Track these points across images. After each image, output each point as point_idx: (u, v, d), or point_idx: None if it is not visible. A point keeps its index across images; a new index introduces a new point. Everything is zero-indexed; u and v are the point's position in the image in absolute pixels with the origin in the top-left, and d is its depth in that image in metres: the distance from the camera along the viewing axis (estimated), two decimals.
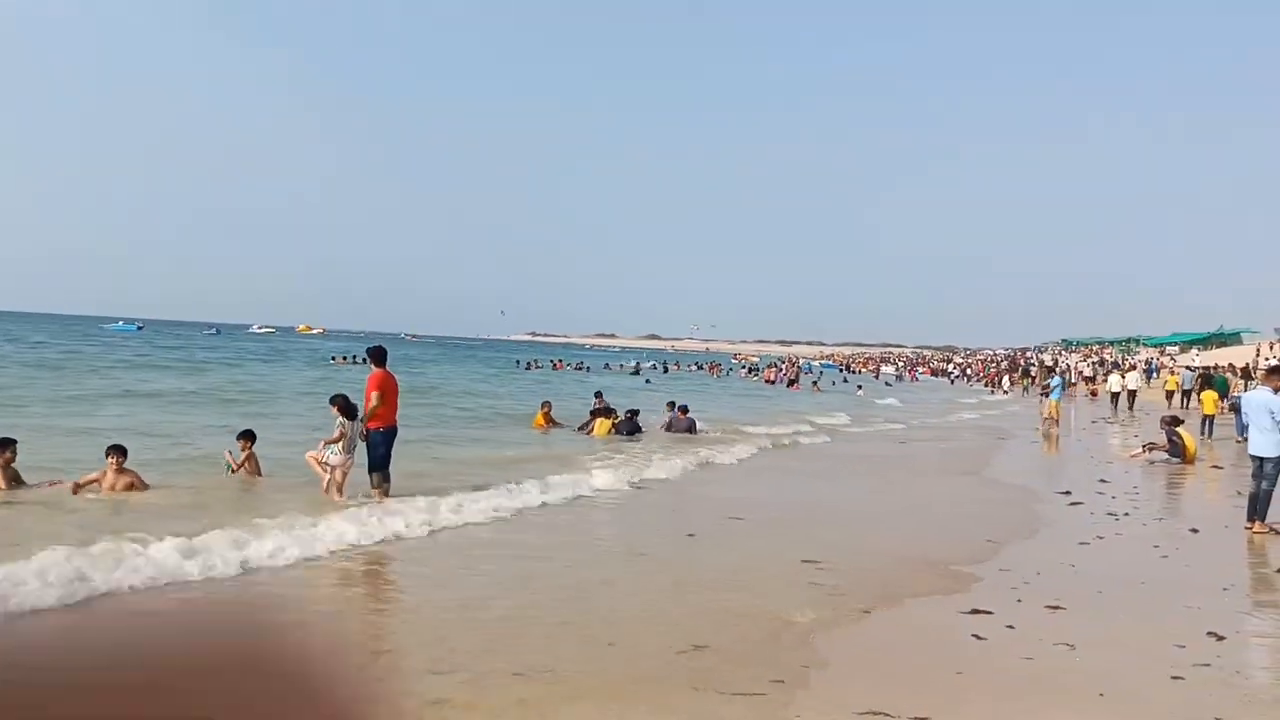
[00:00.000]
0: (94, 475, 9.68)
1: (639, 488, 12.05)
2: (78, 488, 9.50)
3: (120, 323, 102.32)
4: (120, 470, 9.71)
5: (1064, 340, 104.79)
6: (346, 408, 10.26)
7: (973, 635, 5.83)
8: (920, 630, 6.07)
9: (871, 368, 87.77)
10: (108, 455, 9.77)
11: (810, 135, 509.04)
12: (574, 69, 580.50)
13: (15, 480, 9.62)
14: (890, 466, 15.89)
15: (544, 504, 10.45)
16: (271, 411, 20.21)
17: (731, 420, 23.04)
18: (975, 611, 6.34)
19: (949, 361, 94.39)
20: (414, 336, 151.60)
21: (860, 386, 47.20)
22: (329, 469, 10.01)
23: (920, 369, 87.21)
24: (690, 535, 9.05)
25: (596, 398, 21.54)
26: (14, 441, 9.79)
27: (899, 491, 12.80)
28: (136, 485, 9.76)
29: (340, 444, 10.08)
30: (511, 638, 5.56)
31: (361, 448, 10.17)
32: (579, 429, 19.32)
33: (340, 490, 9.95)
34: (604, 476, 12.13)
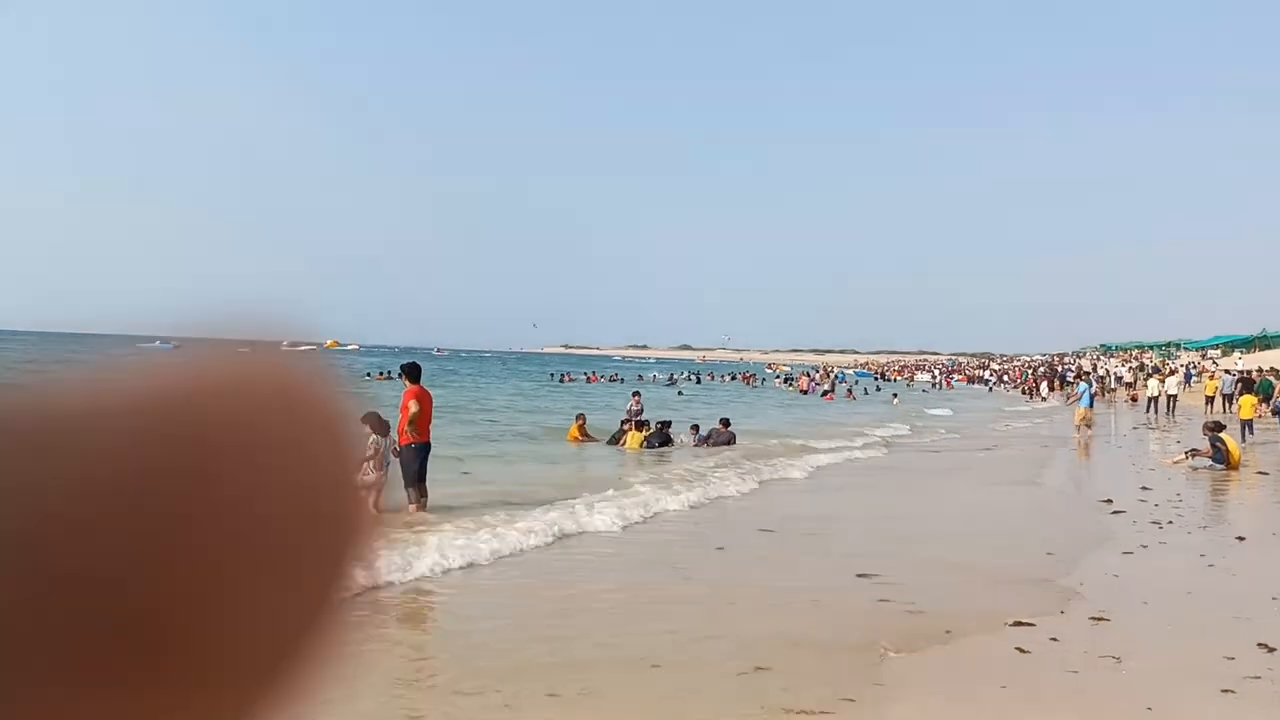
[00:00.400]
0: None
1: (697, 506, 11.67)
2: None
3: (157, 342, 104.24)
4: None
5: (1103, 345, 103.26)
6: (378, 424, 10.33)
7: (1016, 648, 5.73)
8: (961, 643, 5.97)
9: (907, 375, 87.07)
10: None
11: (838, 137, 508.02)
12: (597, 76, 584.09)
13: None
14: (947, 476, 15.86)
15: (594, 523, 9.93)
16: None
17: (780, 433, 22.86)
18: (1018, 624, 6.24)
19: (985, 368, 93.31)
20: (443, 351, 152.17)
21: (895, 395, 46.77)
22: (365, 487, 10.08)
23: (956, 376, 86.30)
24: (723, 549, 8.96)
25: (634, 397, 21.58)
26: None
27: (952, 501, 12.68)
28: None
29: (373, 461, 10.16)
30: (546, 659, 5.52)
31: (395, 465, 10.25)
32: (609, 441, 19.35)
33: (378, 506, 10.03)
34: (657, 494, 11.67)
